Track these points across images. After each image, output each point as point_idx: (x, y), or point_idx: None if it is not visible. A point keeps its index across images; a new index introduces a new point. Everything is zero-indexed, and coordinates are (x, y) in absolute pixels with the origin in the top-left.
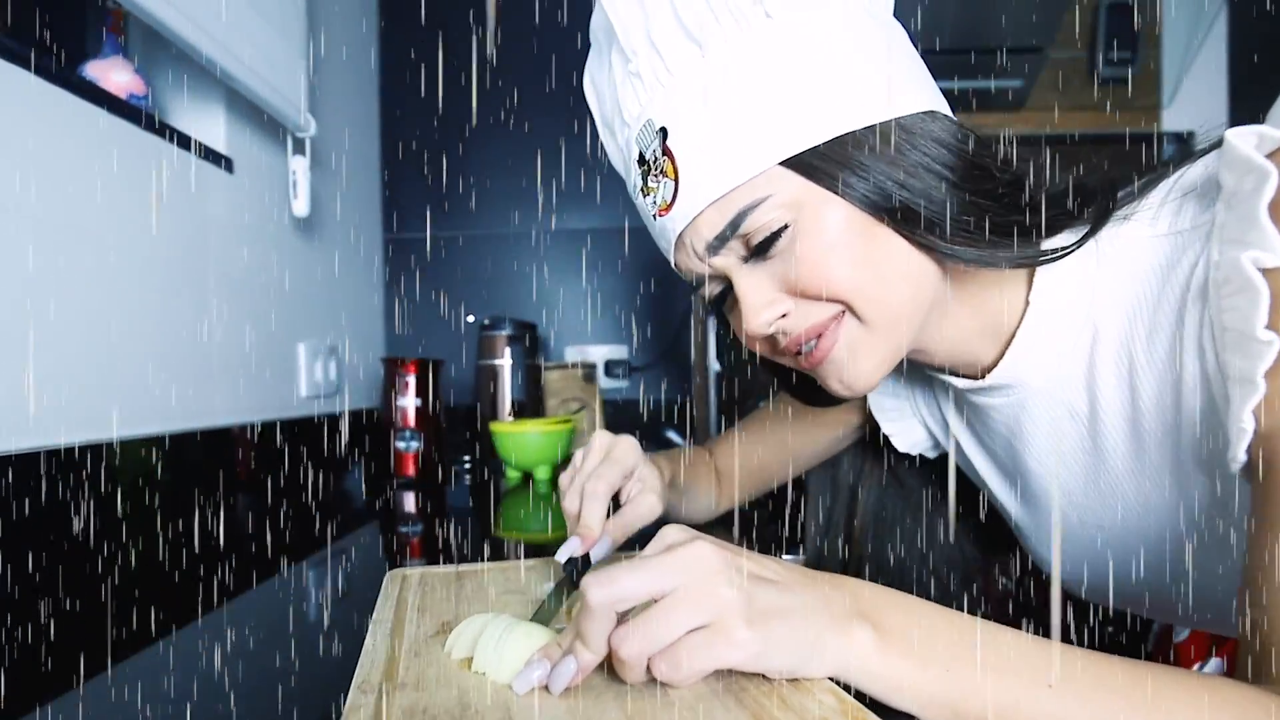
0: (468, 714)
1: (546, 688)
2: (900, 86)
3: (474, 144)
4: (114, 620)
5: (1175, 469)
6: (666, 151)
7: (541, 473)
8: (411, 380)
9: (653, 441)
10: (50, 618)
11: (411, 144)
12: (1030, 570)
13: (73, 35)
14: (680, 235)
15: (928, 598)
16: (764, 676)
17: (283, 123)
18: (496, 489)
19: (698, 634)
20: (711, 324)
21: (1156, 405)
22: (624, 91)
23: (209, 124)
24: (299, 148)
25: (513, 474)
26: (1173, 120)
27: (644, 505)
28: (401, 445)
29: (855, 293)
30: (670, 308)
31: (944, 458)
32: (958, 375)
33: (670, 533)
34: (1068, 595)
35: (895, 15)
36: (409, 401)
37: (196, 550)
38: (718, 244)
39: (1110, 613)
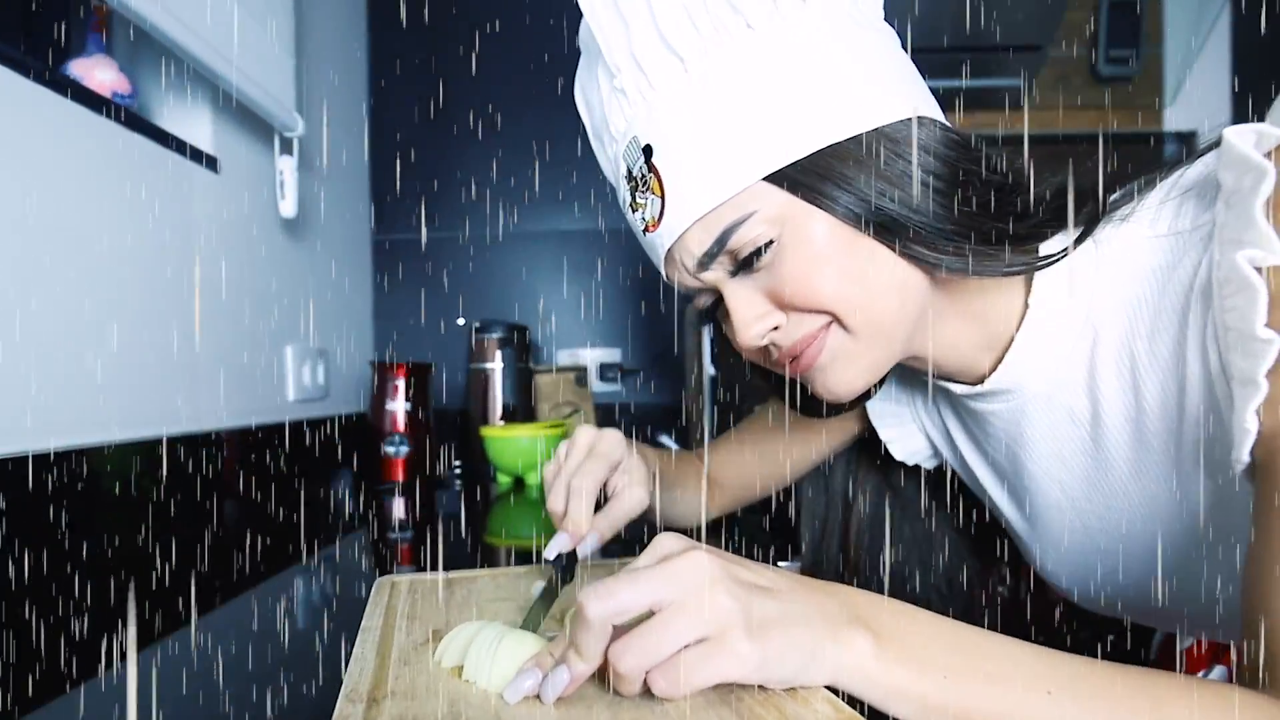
0: None
1: (538, 697)
2: (885, 94)
3: (464, 144)
4: (97, 629)
5: (1179, 472)
6: (652, 169)
7: (533, 478)
8: (401, 384)
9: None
10: (31, 626)
11: (401, 144)
12: (1029, 577)
13: (56, 33)
14: (669, 251)
15: (925, 606)
16: (761, 686)
17: (270, 122)
18: (487, 494)
19: (697, 647)
20: (706, 328)
21: (1160, 407)
22: (610, 107)
23: (195, 123)
24: (286, 147)
25: (504, 479)
26: (1175, 119)
27: (631, 499)
28: (391, 450)
29: (841, 305)
30: (664, 311)
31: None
32: (956, 381)
33: (665, 542)
34: (1068, 602)
35: (893, 13)
36: (398, 406)
37: (183, 557)
38: (706, 260)
39: (1111, 620)
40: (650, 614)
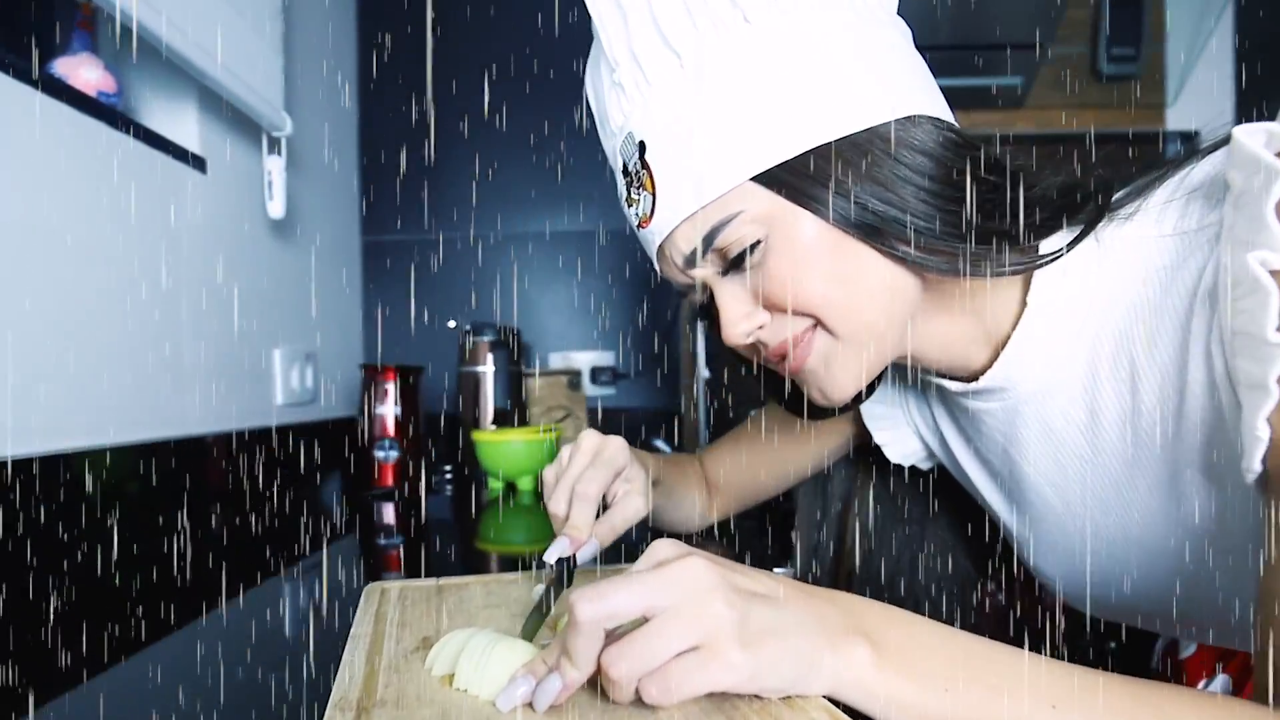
0: None
1: (531, 705)
2: (884, 92)
3: (456, 144)
4: (82, 636)
5: (1178, 477)
6: (645, 165)
7: (525, 483)
8: (391, 387)
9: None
10: (10, 636)
11: (391, 144)
12: (1028, 583)
13: (41, 31)
14: (660, 247)
15: (924, 613)
16: (757, 695)
17: (258, 121)
18: (478, 500)
19: (689, 655)
20: (701, 330)
21: (1159, 410)
22: (609, 101)
23: (182, 123)
24: (275, 147)
25: (495, 484)
26: (1178, 119)
27: (631, 507)
28: (380, 455)
29: (825, 308)
30: (658, 313)
31: (938, 468)
32: (950, 378)
33: (661, 548)
34: (1068, 609)
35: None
36: (388, 409)
37: (168, 563)
38: (695, 257)
39: (1112, 627)
40: (645, 621)
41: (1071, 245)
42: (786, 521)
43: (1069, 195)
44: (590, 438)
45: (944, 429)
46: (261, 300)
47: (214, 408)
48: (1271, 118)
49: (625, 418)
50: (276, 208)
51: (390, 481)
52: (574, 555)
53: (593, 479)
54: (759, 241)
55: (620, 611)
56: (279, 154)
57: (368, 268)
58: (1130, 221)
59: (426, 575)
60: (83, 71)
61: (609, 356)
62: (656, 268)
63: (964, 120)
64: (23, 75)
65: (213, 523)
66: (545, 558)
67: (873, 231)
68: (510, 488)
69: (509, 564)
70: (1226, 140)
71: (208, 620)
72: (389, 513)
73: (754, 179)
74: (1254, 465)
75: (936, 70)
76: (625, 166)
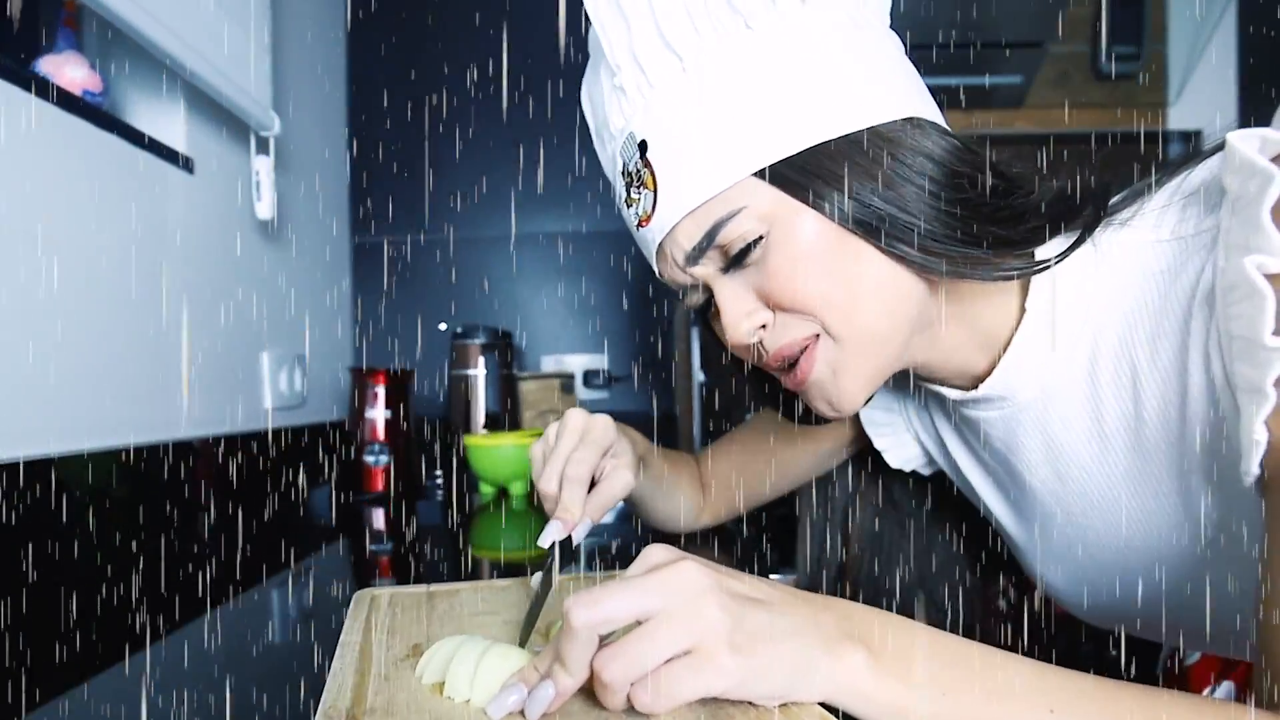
0: None
1: (522, 714)
2: (882, 94)
3: (447, 144)
4: (66, 644)
5: (1179, 483)
6: (646, 164)
7: (517, 488)
8: (380, 391)
9: None
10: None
11: (381, 144)
12: (1029, 590)
13: (25, 28)
14: (660, 245)
15: (925, 619)
16: (752, 703)
17: (246, 121)
18: (470, 505)
19: (681, 660)
20: (696, 332)
21: (1160, 415)
22: (610, 105)
23: (168, 122)
24: (263, 147)
25: (487, 489)
26: (1179, 118)
27: (619, 481)
28: (370, 459)
29: (824, 306)
30: (652, 315)
31: (939, 475)
32: (950, 386)
33: (655, 553)
34: (1069, 616)
35: (891, 9)
36: (378, 413)
37: (155, 569)
38: (696, 254)
39: (1115, 634)
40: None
41: (1069, 251)
42: (788, 527)
43: (1066, 200)
44: (576, 416)
45: (944, 435)
46: (249, 302)
47: (200, 412)
48: (1267, 123)
49: (619, 422)
50: (265, 208)
51: (380, 486)
52: (570, 536)
53: (582, 460)
54: (760, 238)
55: (614, 616)
56: (267, 154)
57: (357, 269)
58: (1127, 226)
59: (417, 581)
60: (68, 70)
61: (602, 359)
62: (655, 268)
63: (964, 119)
64: (7, 73)
65: (199, 529)
66: (540, 542)
67: (873, 230)
68: (502, 492)
69: (501, 570)
70: (1222, 145)
71: (194, 627)
72: (379, 518)
73: (757, 175)
74: (1252, 469)
75: (937, 69)
76: (625, 167)
